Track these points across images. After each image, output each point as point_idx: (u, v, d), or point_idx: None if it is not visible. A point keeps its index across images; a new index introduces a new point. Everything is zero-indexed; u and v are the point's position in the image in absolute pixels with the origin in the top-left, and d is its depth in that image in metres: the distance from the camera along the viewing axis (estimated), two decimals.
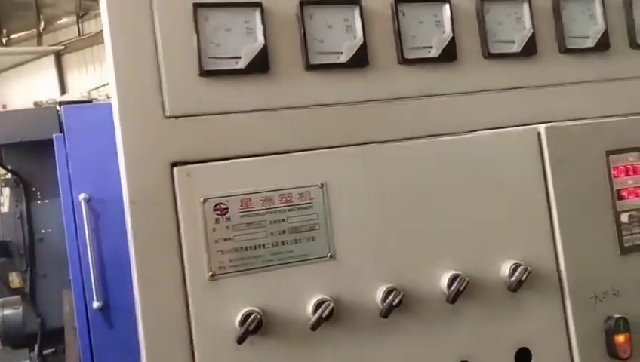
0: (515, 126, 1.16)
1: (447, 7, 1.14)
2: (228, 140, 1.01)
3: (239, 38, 1.03)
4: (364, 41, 1.09)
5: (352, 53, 1.09)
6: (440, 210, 1.08)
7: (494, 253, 1.10)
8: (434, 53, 1.15)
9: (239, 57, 1.03)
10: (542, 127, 1.16)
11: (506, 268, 1.09)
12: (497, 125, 1.15)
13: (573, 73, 1.24)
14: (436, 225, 1.07)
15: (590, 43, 1.26)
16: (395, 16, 1.12)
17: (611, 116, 1.23)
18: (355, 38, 1.09)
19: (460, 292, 1.03)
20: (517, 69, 1.20)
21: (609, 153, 1.20)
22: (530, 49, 1.21)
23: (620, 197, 1.20)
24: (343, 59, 1.09)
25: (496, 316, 1.09)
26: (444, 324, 1.06)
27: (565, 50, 1.24)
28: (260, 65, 1.03)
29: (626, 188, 1.21)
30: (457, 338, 1.06)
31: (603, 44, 1.27)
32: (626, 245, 1.19)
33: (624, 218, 1.19)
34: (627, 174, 1.21)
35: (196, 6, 1.00)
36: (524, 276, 1.07)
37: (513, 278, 1.07)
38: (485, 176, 1.11)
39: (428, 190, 1.08)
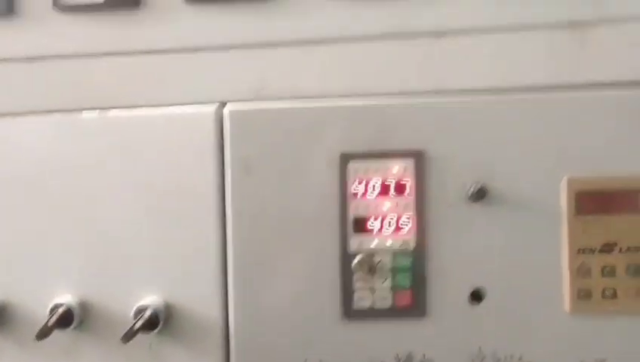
0: (197, 104, 0.78)
1: None
2: None
3: None
4: None
5: None
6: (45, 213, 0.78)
7: (129, 284, 0.78)
8: None
9: None
10: (227, 108, 0.77)
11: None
12: (171, 102, 0.78)
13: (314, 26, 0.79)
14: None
15: None
16: None
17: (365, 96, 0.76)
18: None
19: None
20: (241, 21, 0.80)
21: (346, 158, 0.75)
22: None
23: (361, 229, 0.75)
24: None
25: None
26: None
27: None
28: None
29: (379, 216, 0.75)
30: None
31: None
32: (355, 307, 0.75)
33: (355, 263, 0.74)
34: (385, 193, 0.75)
35: None
36: (138, 323, 0.74)
37: (135, 324, 0.75)
38: (136, 174, 0.77)
39: (35, 183, 0.78)
